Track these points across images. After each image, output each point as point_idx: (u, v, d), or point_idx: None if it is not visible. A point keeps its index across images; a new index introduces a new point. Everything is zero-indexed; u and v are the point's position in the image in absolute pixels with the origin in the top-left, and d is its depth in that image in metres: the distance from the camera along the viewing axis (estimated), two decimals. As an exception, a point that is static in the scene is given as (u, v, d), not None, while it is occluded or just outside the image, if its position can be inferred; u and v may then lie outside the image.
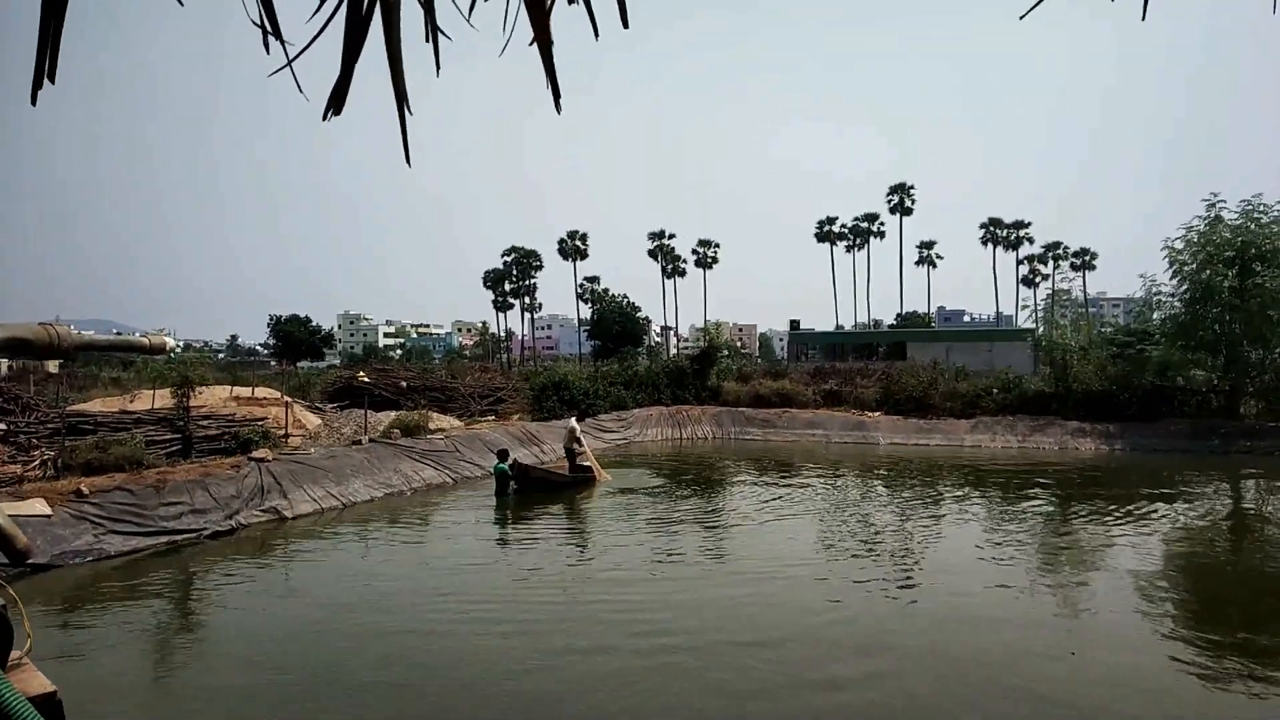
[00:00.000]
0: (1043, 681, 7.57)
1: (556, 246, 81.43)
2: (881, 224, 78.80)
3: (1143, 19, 1.31)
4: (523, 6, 1.32)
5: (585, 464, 19.76)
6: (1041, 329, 37.34)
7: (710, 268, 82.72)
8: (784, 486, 19.45)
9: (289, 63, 1.36)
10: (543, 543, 13.83)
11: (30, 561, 11.44)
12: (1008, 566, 11.93)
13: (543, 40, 1.30)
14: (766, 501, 17.36)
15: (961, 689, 7.43)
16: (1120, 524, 14.99)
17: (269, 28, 1.38)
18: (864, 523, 15.22)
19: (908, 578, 11.37)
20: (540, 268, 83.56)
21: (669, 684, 7.47)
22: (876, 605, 10.05)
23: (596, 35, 1.39)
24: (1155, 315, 32.16)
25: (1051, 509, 16.83)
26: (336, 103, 1.31)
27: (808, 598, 10.32)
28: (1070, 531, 14.67)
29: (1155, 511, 16.19)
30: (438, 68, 1.42)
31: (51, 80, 1.32)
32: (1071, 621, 9.57)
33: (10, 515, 2.27)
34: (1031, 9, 1.43)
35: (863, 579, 11.22)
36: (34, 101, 1.34)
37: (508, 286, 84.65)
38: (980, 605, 10.00)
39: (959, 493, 18.63)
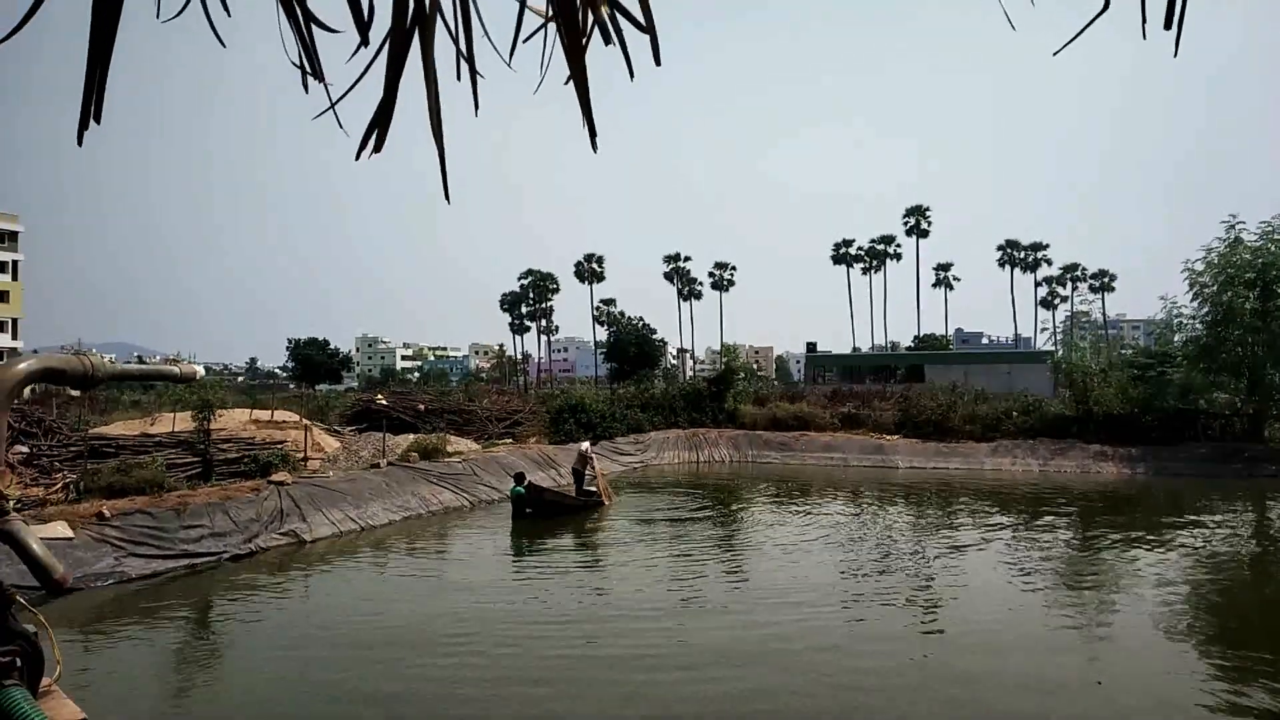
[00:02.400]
0: (1070, 712, 7.47)
1: (573, 269, 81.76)
2: (898, 246, 78.61)
3: (1175, 55, 1.32)
4: (558, 45, 1.34)
5: (591, 488, 19.77)
6: (1061, 351, 37.03)
7: (726, 290, 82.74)
8: (803, 513, 19.33)
9: (332, 105, 1.39)
10: (560, 577, 13.31)
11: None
12: (1032, 593, 11.79)
13: (579, 79, 1.32)
14: (787, 529, 17.19)
15: None
16: (1144, 549, 14.80)
17: (309, 68, 1.41)
18: (886, 550, 15.07)
19: (933, 607, 11.26)
20: (557, 290, 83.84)
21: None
22: (904, 642, 9.95)
23: (632, 76, 1.41)
24: (1176, 338, 31.87)
25: (1074, 534, 16.64)
26: (377, 142, 1.34)
27: (836, 641, 9.99)
28: (1094, 557, 14.50)
29: (1179, 536, 15.99)
30: (476, 108, 1.44)
31: (98, 121, 1.35)
32: (1097, 649, 9.43)
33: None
34: (1065, 46, 1.44)
35: (889, 613, 11.11)
36: (80, 142, 1.37)
37: (524, 309, 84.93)
38: (1005, 633, 9.88)
39: (981, 518, 18.44)
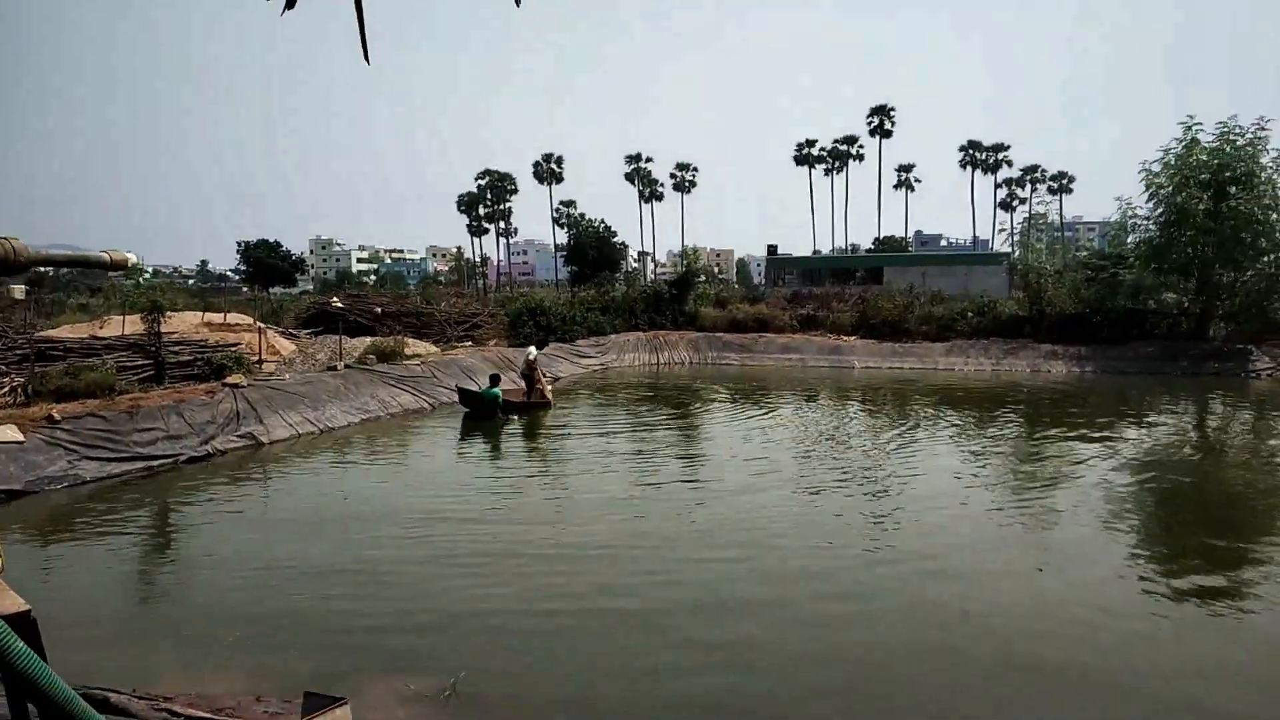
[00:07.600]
0: (1007, 602, 7.80)
1: (531, 170, 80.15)
2: (861, 147, 77.83)
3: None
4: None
5: (541, 389, 20.04)
6: (1017, 253, 37.43)
7: (688, 192, 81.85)
8: (761, 413, 19.65)
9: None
10: (522, 471, 13.86)
11: (4, 488, 11.36)
12: (979, 488, 12.16)
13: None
14: (744, 429, 17.49)
15: (933, 627, 7.64)
16: (1089, 444, 15.29)
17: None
18: (840, 448, 15.45)
19: (883, 503, 11.57)
20: (515, 191, 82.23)
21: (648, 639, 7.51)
22: (855, 539, 10.25)
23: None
24: (1130, 239, 32.28)
25: (1022, 430, 17.14)
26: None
27: (789, 531, 10.45)
28: (1040, 452, 14.98)
29: (1124, 432, 16.54)
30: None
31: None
32: (1039, 539, 9.79)
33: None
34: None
35: (842, 506, 11.43)
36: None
37: (482, 211, 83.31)
38: (952, 527, 10.23)
39: (932, 416, 18.89)
